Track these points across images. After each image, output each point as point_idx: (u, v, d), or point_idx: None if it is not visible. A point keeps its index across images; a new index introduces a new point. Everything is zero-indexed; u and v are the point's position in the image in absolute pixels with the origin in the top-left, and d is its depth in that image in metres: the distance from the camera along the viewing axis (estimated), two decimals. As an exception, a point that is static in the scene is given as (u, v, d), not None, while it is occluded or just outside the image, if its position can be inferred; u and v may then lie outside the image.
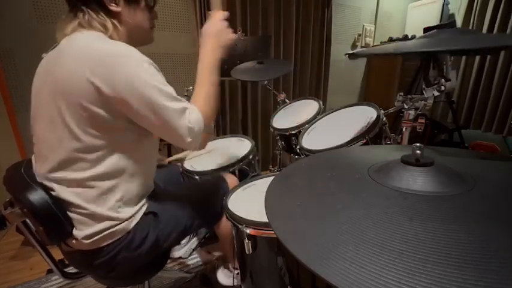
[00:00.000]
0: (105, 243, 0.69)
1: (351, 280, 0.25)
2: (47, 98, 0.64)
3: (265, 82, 1.63)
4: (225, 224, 0.93)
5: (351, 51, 0.68)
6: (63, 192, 0.65)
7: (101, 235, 0.68)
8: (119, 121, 0.64)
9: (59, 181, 0.66)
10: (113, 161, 0.67)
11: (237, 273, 0.99)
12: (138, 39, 0.76)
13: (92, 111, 0.61)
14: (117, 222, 0.69)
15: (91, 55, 0.60)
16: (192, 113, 0.68)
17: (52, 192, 0.66)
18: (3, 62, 1.67)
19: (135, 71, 0.61)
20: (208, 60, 0.77)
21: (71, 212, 0.66)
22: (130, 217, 0.71)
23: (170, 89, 0.66)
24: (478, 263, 0.25)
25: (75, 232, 0.67)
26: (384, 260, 0.27)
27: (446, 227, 0.30)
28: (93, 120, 0.62)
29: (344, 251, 0.29)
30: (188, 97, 1.74)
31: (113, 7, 0.68)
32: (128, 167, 0.70)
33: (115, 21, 0.69)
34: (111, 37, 0.67)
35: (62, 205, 0.66)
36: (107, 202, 0.68)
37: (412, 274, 0.25)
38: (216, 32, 0.80)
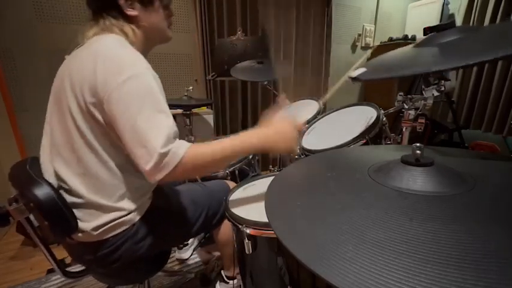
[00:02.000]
0: (111, 234, 0.70)
1: (350, 280, 0.25)
2: (62, 91, 0.66)
3: (265, 82, 1.63)
4: (224, 231, 0.94)
5: (354, 75, 0.68)
6: (71, 182, 0.67)
7: (108, 225, 0.69)
8: (106, 120, 0.64)
9: (67, 172, 0.68)
10: (116, 154, 0.68)
11: (236, 282, 0.99)
12: (155, 39, 0.78)
13: (88, 104, 0.62)
14: (124, 213, 0.70)
15: (103, 51, 0.63)
16: (176, 148, 0.60)
17: (61, 184, 0.68)
18: (3, 62, 1.67)
19: (133, 78, 0.60)
20: (251, 143, 0.71)
21: (79, 204, 0.68)
22: (136, 209, 0.72)
23: (163, 108, 0.62)
24: (478, 263, 0.25)
25: (82, 225, 0.68)
26: (384, 260, 0.27)
27: (446, 227, 0.30)
28: (90, 114, 0.63)
29: (344, 251, 0.29)
30: (188, 97, 1.74)
31: (130, 11, 0.70)
32: (129, 159, 0.68)
33: (133, 26, 0.71)
34: (130, 41, 0.70)
35: (69, 199, 0.68)
36: (113, 193, 0.69)
37: (412, 274, 0.25)
38: (286, 135, 0.75)
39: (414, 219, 0.32)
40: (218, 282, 1.08)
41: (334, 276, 0.26)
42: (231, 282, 1.03)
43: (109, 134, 0.65)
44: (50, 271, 1.42)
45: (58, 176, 0.69)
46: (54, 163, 0.69)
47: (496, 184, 0.40)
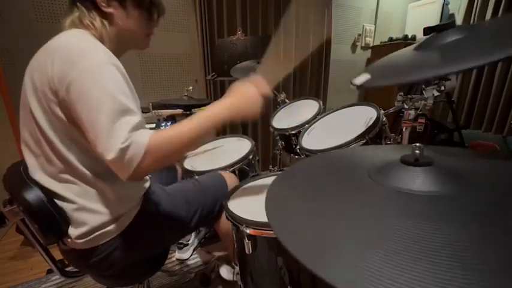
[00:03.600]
0: (99, 243, 0.69)
1: (350, 279, 0.25)
2: (24, 94, 0.65)
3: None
4: (224, 222, 0.92)
5: (358, 83, 0.67)
6: (53, 186, 0.65)
7: (95, 234, 0.67)
8: (69, 118, 0.61)
9: (45, 175, 0.66)
10: (90, 162, 0.65)
11: (237, 273, 0.99)
12: (128, 42, 0.76)
13: (50, 104, 0.60)
14: (110, 218, 0.68)
15: (60, 45, 0.61)
16: (137, 139, 0.56)
17: (45, 188, 0.66)
18: (3, 62, 1.67)
19: (91, 68, 0.58)
20: (218, 116, 0.67)
21: (65, 208, 0.66)
22: (123, 214, 0.71)
23: (126, 100, 0.58)
24: (477, 263, 0.25)
25: (69, 231, 0.67)
26: (384, 259, 0.27)
27: (446, 227, 0.30)
28: (54, 115, 0.61)
29: (343, 251, 0.29)
30: (188, 97, 1.74)
31: (104, 7, 0.68)
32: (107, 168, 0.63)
33: (105, 21, 0.69)
34: (100, 36, 0.68)
35: (57, 202, 0.66)
36: (96, 197, 0.67)
37: (413, 274, 0.25)
38: (250, 99, 0.71)
39: (413, 219, 0.32)
40: (225, 264, 1.07)
41: (334, 276, 0.26)
42: (236, 267, 1.02)
43: (77, 139, 0.63)
44: (50, 271, 1.41)
45: (41, 181, 0.67)
46: (35, 168, 0.67)
47: (495, 184, 0.40)
